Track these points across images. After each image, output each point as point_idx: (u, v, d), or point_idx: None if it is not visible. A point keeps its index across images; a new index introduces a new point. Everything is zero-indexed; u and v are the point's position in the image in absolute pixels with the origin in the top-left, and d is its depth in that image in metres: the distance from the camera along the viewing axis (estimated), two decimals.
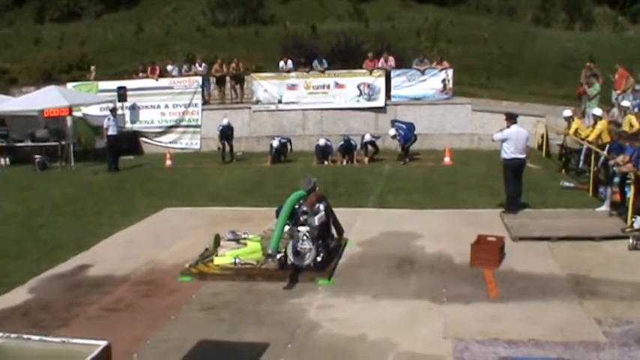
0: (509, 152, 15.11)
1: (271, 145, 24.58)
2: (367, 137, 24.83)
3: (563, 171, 20.29)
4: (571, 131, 20.16)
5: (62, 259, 13.27)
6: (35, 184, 22.87)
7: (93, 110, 28.84)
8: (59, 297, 11.27)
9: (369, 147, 24.82)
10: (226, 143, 25.82)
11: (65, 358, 6.12)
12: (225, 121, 25.83)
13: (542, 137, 23.92)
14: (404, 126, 24.39)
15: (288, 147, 25.90)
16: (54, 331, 8.74)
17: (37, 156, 26.94)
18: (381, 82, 27.59)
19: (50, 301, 11.10)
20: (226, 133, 25.68)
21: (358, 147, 24.72)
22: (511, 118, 15.29)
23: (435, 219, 15.03)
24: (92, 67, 32.17)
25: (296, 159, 25.17)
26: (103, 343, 6.27)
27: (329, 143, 24.68)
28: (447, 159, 23.25)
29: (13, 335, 6.64)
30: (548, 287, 10.60)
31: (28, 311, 10.64)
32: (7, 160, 28.32)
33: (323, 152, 24.57)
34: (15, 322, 9.95)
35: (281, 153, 25.32)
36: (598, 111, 20.16)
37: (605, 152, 16.56)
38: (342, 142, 24.52)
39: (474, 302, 10.07)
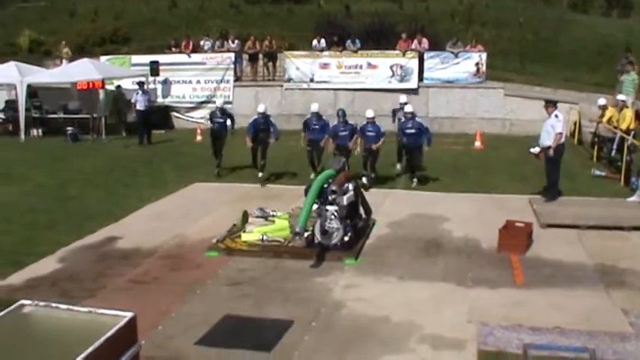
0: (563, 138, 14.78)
1: (305, 123, 20.17)
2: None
3: (595, 159, 20.06)
4: (605, 119, 19.92)
5: (91, 231, 13.40)
6: (66, 156, 23.05)
7: (125, 84, 28.89)
8: (87, 268, 11.38)
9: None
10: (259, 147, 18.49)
11: (92, 327, 6.19)
12: (261, 108, 19.04)
13: (575, 125, 23.66)
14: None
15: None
16: (81, 301, 8.82)
17: (68, 128, 27.15)
18: (413, 64, 27.38)
19: (78, 271, 11.21)
20: (260, 128, 18.44)
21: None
22: (553, 105, 14.99)
23: (463, 203, 14.97)
24: (63, 43, 32.32)
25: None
26: (129, 315, 6.34)
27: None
28: (477, 143, 23.11)
29: (41, 303, 6.73)
30: (575, 275, 10.53)
31: (56, 281, 10.77)
32: (40, 131, 28.56)
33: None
34: (44, 291, 10.07)
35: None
36: (621, 96, 20.05)
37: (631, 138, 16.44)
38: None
39: (500, 287, 10.04)
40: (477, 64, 27.18)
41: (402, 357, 7.92)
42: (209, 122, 20.51)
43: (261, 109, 18.91)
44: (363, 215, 12.93)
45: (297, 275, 10.64)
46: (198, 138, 25.74)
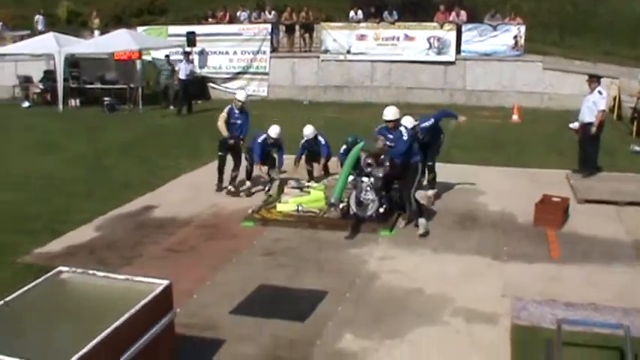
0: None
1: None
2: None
3: (635, 135, 19.78)
4: None
5: (128, 200, 13.53)
6: (103, 126, 23.25)
7: (162, 54, 28.99)
8: (124, 236, 11.51)
9: None
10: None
11: (128, 294, 6.28)
12: (308, 131, 14.23)
13: (615, 100, 23.33)
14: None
15: None
16: (118, 269, 8.91)
17: (106, 98, 27.40)
18: (451, 36, 27.10)
19: (115, 239, 11.34)
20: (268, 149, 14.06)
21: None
22: (596, 81, 14.72)
23: (499, 176, 14.87)
24: (94, 14, 32.37)
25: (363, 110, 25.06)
26: (165, 282, 6.43)
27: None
28: (515, 117, 22.91)
29: (79, 270, 6.84)
30: (611, 252, 10.42)
31: (93, 249, 10.90)
32: (78, 101, 28.83)
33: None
34: (81, 258, 10.20)
35: None
36: None
37: None
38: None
39: (535, 262, 9.98)
40: (516, 36, 26.84)
41: (436, 329, 7.93)
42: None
43: (308, 132, 14.21)
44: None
45: (331, 246, 10.67)
46: None
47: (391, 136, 11.43)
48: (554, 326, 7.27)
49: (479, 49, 27.08)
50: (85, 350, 5.27)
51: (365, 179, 11.52)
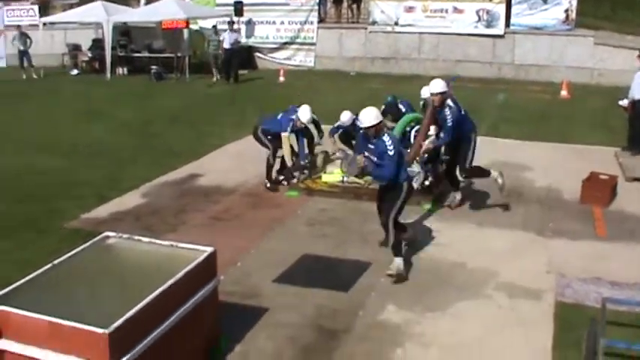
0: None
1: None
2: None
3: None
4: None
5: (173, 167, 13.66)
6: (150, 94, 23.43)
7: (209, 23, 29.04)
8: (169, 203, 11.63)
9: None
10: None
11: (173, 260, 6.34)
12: (345, 118, 13.00)
13: None
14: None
15: None
16: (163, 235, 8.98)
17: (153, 67, 27.60)
18: (501, 9, 26.64)
19: (160, 206, 11.46)
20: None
21: None
22: None
23: (547, 152, 14.71)
24: None
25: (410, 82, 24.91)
26: (209, 249, 6.47)
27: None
28: (564, 92, 22.56)
29: (125, 236, 6.92)
30: None
31: (139, 215, 11.04)
32: (125, 69, 29.10)
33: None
34: (127, 224, 10.34)
35: None
36: None
37: None
38: None
39: (581, 239, 9.88)
40: (567, 10, 26.33)
41: (478, 303, 7.91)
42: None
43: (345, 118, 13.04)
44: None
45: (375, 218, 10.55)
46: (281, 79, 25.87)
47: (372, 147, 8.46)
48: (598, 305, 7.22)
49: (529, 23, 26.60)
50: (129, 314, 5.34)
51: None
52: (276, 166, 12.60)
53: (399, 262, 8.62)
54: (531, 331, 7.24)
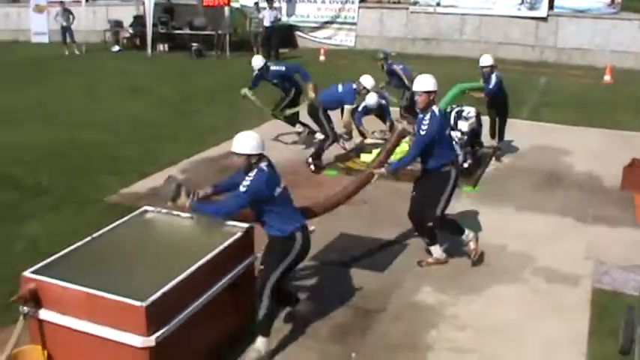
0: None
1: None
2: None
3: None
4: None
5: (213, 144, 13.71)
6: (190, 71, 23.53)
7: (250, 1, 29.06)
8: (208, 179, 11.58)
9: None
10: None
11: (210, 236, 6.38)
12: (372, 100, 13.10)
13: None
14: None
15: None
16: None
17: (193, 44, 27.71)
18: None
19: (199, 182, 11.43)
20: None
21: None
22: None
23: (588, 137, 14.54)
24: None
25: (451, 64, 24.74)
26: (247, 226, 6.51)
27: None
28: (607, 77, 22.25)
29: (163, 210, 6.98)
30: None
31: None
32: (166, 46, 29.25)
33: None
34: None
35: None
36: None
37: None
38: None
39: (620, 226, 9.77)
40: None
41: (515, 286, 7.88)
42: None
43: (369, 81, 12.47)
44: (483, 143, 12.73)
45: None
46: (321, 58, 25.83)
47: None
48: (636, 293, 7.13)
49: (573, 5, 26.19)
50: (166, 288, 5.42)
51: (451, 133, 11.37)
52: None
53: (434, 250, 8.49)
54: (567, 317, 7.20)
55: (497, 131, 13.08)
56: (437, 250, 8.45)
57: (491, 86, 12.45)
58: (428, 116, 7.75)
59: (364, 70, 17.15)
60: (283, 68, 14.36)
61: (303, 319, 7.02)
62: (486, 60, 12.70)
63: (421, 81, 7.91)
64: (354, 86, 12.23)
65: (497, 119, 13.09)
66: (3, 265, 8.06)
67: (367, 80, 12.26)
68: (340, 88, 12.35)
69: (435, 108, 7.89)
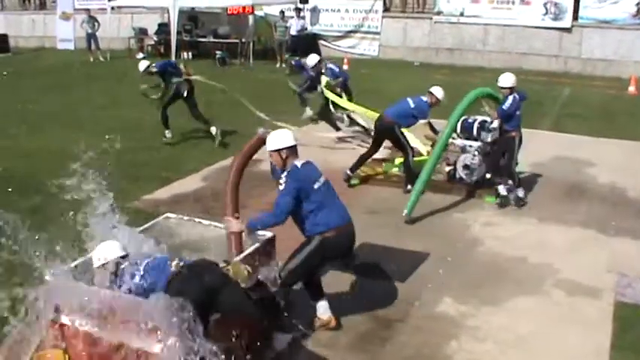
0: None
1: None
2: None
3: None
4: None
5: (235, 151, 13.71)
6: (214, 79, 23.52)
7: (274, 10, 29.16)
8: None
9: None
10: None
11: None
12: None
13: None
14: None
15: None
16: (222, 218, 9.07)
17: (217, 52, 27.83)
18: (569, 2, 26.07)
19: (221, 190, 11.50)
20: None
21: None
22: None
23: (611, 149, 14.44)
24: None
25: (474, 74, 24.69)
26: (269, 234, 6.53)
27: None
28: (631, 88, 22.09)
29: (185, 217, 7.02)
30: None
31: (199, 198, 11.17)
32: (190, 54, 29.39)
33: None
34: (187, 206, 10.47)
35: None
36: None
37: None
38: None
39: None
40: (638, 3, 25.74)
41: (536, 299, 7.83)
42: None
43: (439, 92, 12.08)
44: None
45: (436, 209, 10.60)
46: (345, 67, 25.81)
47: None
48: None
49: (597, 16, 26.04)
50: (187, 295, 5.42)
51: (474, 144, 11.36)
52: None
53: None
54: (589, 330, 7.14)
55: (508, 173, 11.17)
56: (322, 308, 7.15)
57: (505, 106, 11.08)
58: (284, 175, 6.67)
59: (388, 80, 17.20)
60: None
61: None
62: (506, 80, 11.28)
63: (271, 139, 6.88)
64: (425, 99, 11.84)
65: (504, 155, 11.37)
66: (26, 270, 8.11)
67: (438, 91, 11.94)
68: (411, 103, 11.82)
69: (298, 162, 6.76)
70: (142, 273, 5.59)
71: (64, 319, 5.69)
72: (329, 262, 7.27)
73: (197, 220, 7.01)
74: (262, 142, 7.14)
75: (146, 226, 6.89)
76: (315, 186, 6.59)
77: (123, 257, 5.77)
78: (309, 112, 16.05)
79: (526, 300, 7.81)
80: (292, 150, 6.69)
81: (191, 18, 29.84)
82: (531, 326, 7.22)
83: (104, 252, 5.78)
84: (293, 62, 18.38)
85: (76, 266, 5.98)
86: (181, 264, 5.60)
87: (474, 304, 7.68)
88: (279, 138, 6.72)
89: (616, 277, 8.37)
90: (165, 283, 5.48)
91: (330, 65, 15.79)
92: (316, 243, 6.61)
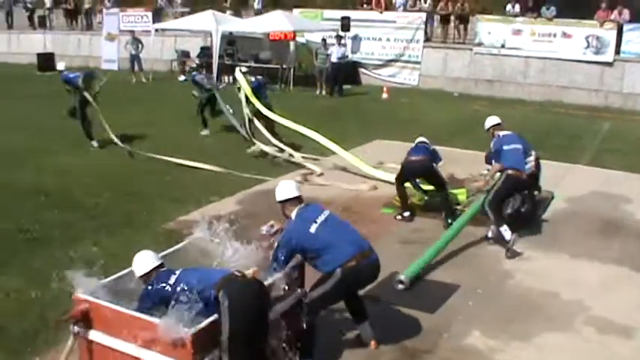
0: None
1: None
2: None
3: None
4: None
5: (272, 176, 13.84)
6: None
7: (316, 37, 29.35)
8: (264, 210, 11.74)
9: None
10: None
11: (261, 267, 6.42)
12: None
13: None
14: None
15: None
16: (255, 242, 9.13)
17: (258, 77, 28.00)
18: (611, 36, 25.91)
19: (255, 213, 11.63)
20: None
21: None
22: None
23: None
24: None
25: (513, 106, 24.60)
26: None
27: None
28: None
29: (216, 240, 7.11)
30: None
31: (233, 221, 11.21)
32: (231, 78, 29.64)
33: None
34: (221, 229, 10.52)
35: None
36: None
37: None
38: None
39: None
40: None
41: (566, 336, 7.76)
42: None
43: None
44: (542, 188, 12.57)
45: (468, 241, 10.56)
46: (385, 96, 25.94)
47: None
48: None
49: None
50: (213, 317, 5.57)
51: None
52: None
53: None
54: None
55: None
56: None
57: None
58: (286, 224, 7.02)
59: (428, 109, 17.18)
60: None
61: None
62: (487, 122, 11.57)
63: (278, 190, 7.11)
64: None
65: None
66: (58, 285, 8.25)
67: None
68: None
69: (295, 212, 6.89)
70: (177, 276, 5.84)
71: (93, 336, 5.77)
72: (354, 290, 7.24)
73: (227, 242, 7.09)
74: None
75: (178, 246, 7.05)
76: (312, 230, 6.62)
77: (159, 266, 6.03)
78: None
79: (556, 336, 7.74)
80: (292, 201, 6.91)
81: (232, 42, 30.14)
82: None
83: (142, 262, 6.07)
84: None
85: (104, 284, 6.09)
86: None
87: (504, 338, 7.63)
88: (278, 192, 7.02)
89: None
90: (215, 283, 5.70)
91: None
92: (338, 276, 6.59)
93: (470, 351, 7.37)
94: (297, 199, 6.89)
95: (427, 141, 12.12)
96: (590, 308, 8.42)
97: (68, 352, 5.83)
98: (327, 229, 6.69)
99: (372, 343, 7.28)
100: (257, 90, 17.15)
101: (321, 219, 6.73)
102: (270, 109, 16.67)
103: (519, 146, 11.00)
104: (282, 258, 6.55)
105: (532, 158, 11.63)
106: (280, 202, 6.90)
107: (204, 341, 5.42)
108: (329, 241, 6.62)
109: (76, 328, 5.77)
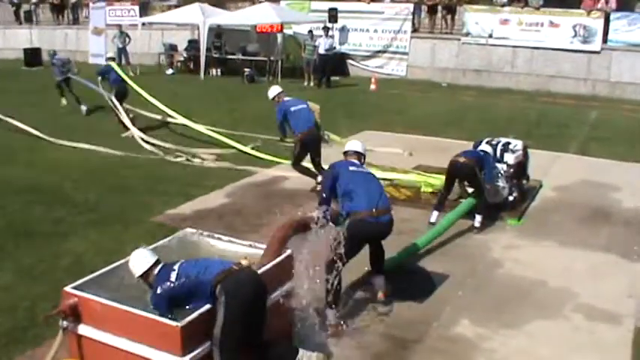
0: None
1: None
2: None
3: None
4: None
5: (260, 169, 13.83)
6: (242, 96, 23.76)
7: (303, 29, 29.31)
8: (253, 204, 11.79)
9: None
10: None
11: (252, 258, 6.42)
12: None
13: None
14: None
15: None
16: (244, 235, 9.09)
17: (246, 69, 28.04)
18: (598, 24, 25.96)
19: (244, 206, 11.64)
20: None
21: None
22: None
23: (638, 173, 14.32)
24: None
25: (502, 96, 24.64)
26: (287, 252, 6.56)
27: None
28: None
29: (205, 233, 7.10)
30: None
31: (222, 214, 11.24)
32: (219, 71, 29.67)
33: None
34: (210, 222, 10.54)
35: None
36: None
37: None
38: None
39: None
40: None
41: (555, 323, 7.79)
42: None
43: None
44: (530, 176, 12.60)
45: (457, 231, 10.58)
46: (372, 87, 25.94)
47: None
48: None
49: (627, 39, 25.83)
50: (202, 310, 5.57)
51: (498, 165, 11.33)
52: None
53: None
54: (608, 357, 7.12)
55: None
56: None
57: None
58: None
59: (416, 100, 17.20)
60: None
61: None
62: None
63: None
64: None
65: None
66: (47, 280, 8.26)
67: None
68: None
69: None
70: (177, 271, 5.77)
71: (82, 331, 5.77)
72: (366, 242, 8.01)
73: (217, 236, 7.09)
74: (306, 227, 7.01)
75: (166, 240, 6.99)
76: (351, 169, 7.91)
77: (156, 263, 5.92)
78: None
79: (545, 324, 7.76)
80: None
81: (219, 35, 30.08)
82: (549, 350, 7.19)
83: (139, 262, 5.93)
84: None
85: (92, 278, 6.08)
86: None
87: (493, 326, 7.65)
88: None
89: (637, 303, 8.31)
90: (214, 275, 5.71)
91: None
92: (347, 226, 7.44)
93: (459, 339, 7.39)
94: (355, 154, 8.23)
95: (489, 150, 11.47)
96: (578, 295, 8.46)
97: (58, 346, 5.82)
98: (359, 176, 7.83)
99: (381, 294, 7.92)
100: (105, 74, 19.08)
101: (359, 169, 7.98)
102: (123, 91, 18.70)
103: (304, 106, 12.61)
104: (328, 182, 7.77)
105: (520, 147, 11.66)
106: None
107: (195, 333, 5.41)
108: (354, 187, 7.63)
109: (65, 323, 5.76)
